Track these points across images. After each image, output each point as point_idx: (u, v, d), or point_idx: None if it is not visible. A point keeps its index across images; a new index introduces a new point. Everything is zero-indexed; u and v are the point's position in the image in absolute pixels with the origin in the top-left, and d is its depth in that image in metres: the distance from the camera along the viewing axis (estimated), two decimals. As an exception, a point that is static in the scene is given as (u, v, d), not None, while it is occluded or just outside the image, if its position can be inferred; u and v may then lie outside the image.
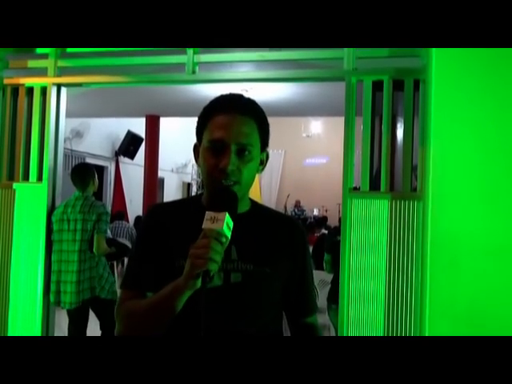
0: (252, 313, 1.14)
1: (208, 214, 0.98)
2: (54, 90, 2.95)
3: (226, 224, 0.98)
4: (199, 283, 0.96)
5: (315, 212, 13.11)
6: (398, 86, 2.54)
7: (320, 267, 4.89)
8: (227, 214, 0.98)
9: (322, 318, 5.42)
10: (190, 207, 1.20)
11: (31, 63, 2.99)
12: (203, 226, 0.98)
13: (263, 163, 1.20)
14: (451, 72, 2.38)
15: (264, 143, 1.18)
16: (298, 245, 1.24)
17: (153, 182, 8.73)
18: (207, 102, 1.18)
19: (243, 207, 1.18)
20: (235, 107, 1.13)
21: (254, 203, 1.24)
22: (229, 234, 0.99)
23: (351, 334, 2.48)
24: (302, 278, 1.25)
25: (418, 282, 2.39)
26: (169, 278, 1.03)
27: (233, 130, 1.10)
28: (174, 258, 1.10)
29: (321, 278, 4.72)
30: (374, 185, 2.55)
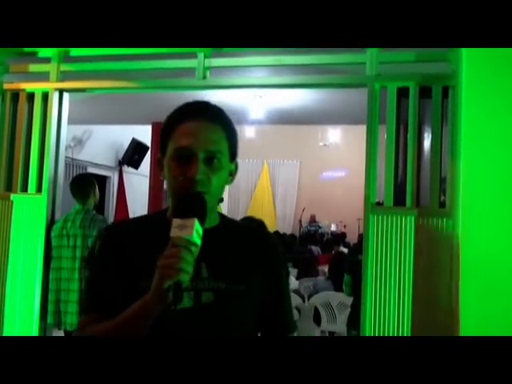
0: (225, 335, 1.13)
1: (175, 222, 0.98)
2: (55, 96, 2.99)
3: (196, 231, 0.97)
4: (169, 298, 0.95)
5: (333, 227, 13.03)
6: (425, 92, 2.53)
7: (338, 288, 4.85)
8: (196, 220, 0.98)
9: (341, 344, 5.35)
10: (153, 223, 1.19)
11: (32, 67, 3.04)
12: (171, 235, 0.97)
13: (232, 174, 1.21)
14: (483, 78, 2.36)
15: (233, 152, 1.18)
16: (273, 259, 1.24)
17: (158, 193, 8.76)
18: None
19: (212, 221, 1.18)
20: (202, 114, 1.14)
21: (222, 217, 1.24)
22: (199, 242, 0.98)
23: (373, 363, 2.44)
24: (278, 295, 1.25)
25: (448, 310, 2.34)
26: (134, 301, 1.03)
27: (200, 136, 1.11)
28: (139, 279, 1.07)
29: (339, 300, 4.68)
30: (399, 200, 2.52)
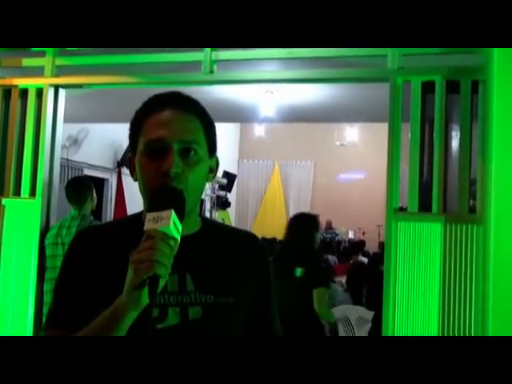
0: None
1: (150, 215, 0.96)
2: (51, 92, 3.02)
3: (173, 223, 0.95)
4: (145, 298, 0.93)
5: (350, 235, 13.01)
6: (452, 87, 2.52)
7: (357, 301, 4.83)
8: (173, 212, 0.95)
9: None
10: (128, 227, 1.16)
11: (26, 62, 3.07)
12: (145, 228, 0.95)
13: (213, 171, 1.19)
14: (516, 71, 2.35)
15: (211, 146, 1.16)
16: (260, 263, 1.24)
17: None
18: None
19: (193, 226, 1.17)
20: (174, 103, 1.12)
21: (205, 221, 1.23)
22: (178, 237, 0.96)
23: None
24: (266, 301, 1.25)
25: (478, 326, 2.33)
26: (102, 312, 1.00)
27: (173, 126, 1.08)
28: (113, 292, 1.02)
29: (359, 314, 4.66)
30: (424, 204, 2.51)
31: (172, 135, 1.07)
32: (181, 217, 0.98)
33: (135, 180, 1.15)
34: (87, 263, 1.12)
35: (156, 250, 0.92)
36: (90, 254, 1.13)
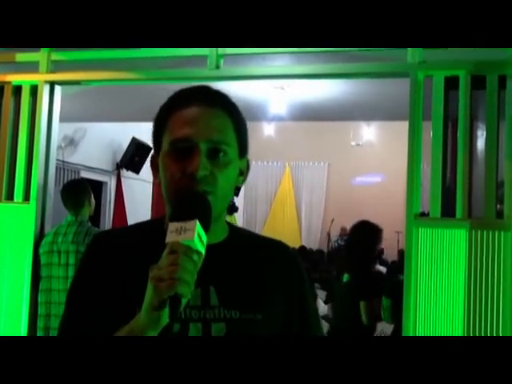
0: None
1: (172, 226, 0.94)
2: (46, 89, 3.04)
3: (198, 235, 0.93)
4: (165, 318, 0.92)
5: (367, 242, 12.95)
6: (477, 83, 2.52)
7: (375, 314, 4.83)
8: (198, 223, 0.94)
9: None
10: (148, 234, 1.15)
11: (20, 57, 3.10)
12: (167, 240, 0.93)
13: (243, 174, 1.17)
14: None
15: (242, 146, 1.14)
16: (292, 275, 1.22)
17: (163, 201, 8.80)
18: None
19: (220, 234, 1.15)
20: (201, 98, 1.10)
21: (232, 229, 1.21)
22: (202, 250, 0.94)
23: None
24: (302, 318, 1.22)
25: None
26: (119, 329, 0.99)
27: (200, 124, 1.07)
28: (131, 304, 1.02)
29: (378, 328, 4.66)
30: (448, 210, 2.51)
31: (199, 134, 1.06)
32: (206, 227, 0.97)
33: (158, 182, 1.14)
34: (103, 275, 1.10)
35: (178, 267, 0.90)
36: (107, 265, 1.11)
